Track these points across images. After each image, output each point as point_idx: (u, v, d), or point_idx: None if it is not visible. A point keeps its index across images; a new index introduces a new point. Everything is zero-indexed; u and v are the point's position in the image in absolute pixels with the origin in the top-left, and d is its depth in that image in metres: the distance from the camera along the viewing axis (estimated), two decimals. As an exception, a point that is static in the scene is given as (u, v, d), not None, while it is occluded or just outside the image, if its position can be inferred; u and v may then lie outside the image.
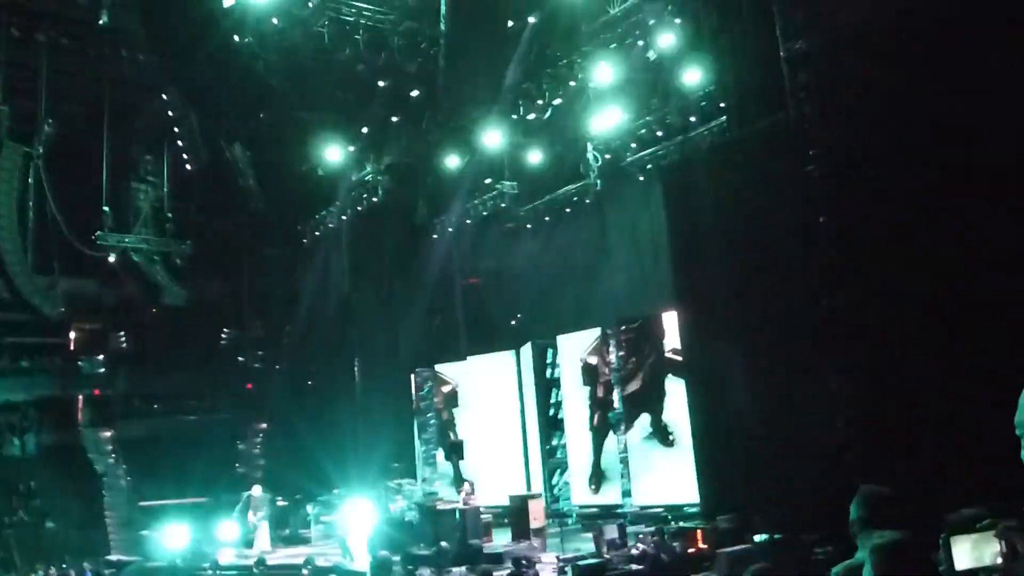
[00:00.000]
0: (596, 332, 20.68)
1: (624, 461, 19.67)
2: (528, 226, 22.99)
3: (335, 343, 25.72)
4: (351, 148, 22.85)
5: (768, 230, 14.53)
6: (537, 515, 17.35)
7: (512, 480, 21.26)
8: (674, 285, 17.77)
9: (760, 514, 12.93)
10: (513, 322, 23.71)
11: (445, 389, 24.39)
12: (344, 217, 25.20)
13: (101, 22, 18.55)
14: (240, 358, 28.84)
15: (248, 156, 23.98)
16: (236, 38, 17.13)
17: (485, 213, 23.35)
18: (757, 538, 12.46)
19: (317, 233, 26.45)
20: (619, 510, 19.29)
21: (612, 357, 20.23)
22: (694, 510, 17.05)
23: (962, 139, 10.91)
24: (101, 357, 26.33)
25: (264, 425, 27.95)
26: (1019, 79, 10.29)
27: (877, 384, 12.14)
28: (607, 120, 19.30)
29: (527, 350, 22.35)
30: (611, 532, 15.18)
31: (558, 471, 21.66)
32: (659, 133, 18.70)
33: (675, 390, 18.34)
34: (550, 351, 22.01)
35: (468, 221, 23.76)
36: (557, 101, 19.62)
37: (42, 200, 21.37)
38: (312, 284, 26.20)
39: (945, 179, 11.05)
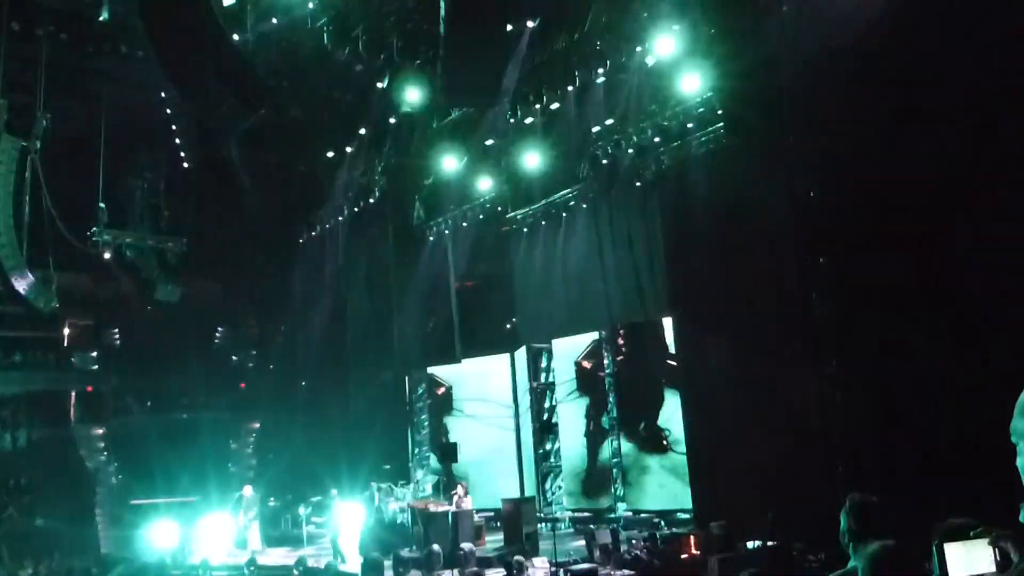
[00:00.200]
0: (591, 336, 20.68)
1: (618, 466, 19.66)
2: (524, 229, 22.99)
3: (329, 344, 25.69)
4: (348, 148, 22.83)
5: (763, 238, 14.58)
6: (529, 519, 17.33)
7: (505, 484, 21.25)
8: (669, 291, 17.80)
9: (752, 521, 12.94)
10: (508, 325, 23.70)
11: (439, 391, 24.37)
12: (340, 217, 25.19)
13: (101, 18, 18.49)
14: (233, 357, 28.81)
15: (245, 155, 23.93)
16: (235, 36, 17.11)
17: (481, 216, 23.33)
18: (749, 544, 12.49)
19: (313, 233, 26.43)
20: (612, 515, 19.28)
21: (607, 362, 20.23)
22: (687, 516, 17.09)
23: (953, 150, 10.97)
24: (94, 353, 26.29)
25: (257, 425, 27.91)
26: (1006, 90, 10.34)
27: (869, 393, 12.18)
28: (604, 125, 19.31)
29: (521, 353, 22.34)
30: (603, 537, 15.18)
31: (551, 475, 21.64)
32: (656, 139, 18.71)
33: (670, 396, 18.35)
34: (545, 355, 22.02)
35: (464, 223, 23.75)
36: (555, 105, 19.63)
37: (37, 195, 21.28)
38: (307, 284, 26.17)
39: (936, 189, 11.10)
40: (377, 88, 19.04)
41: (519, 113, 19.67)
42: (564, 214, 21.79)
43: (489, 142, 20.93)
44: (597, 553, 14.58)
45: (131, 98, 22.50)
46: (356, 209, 24.50)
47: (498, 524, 18.22)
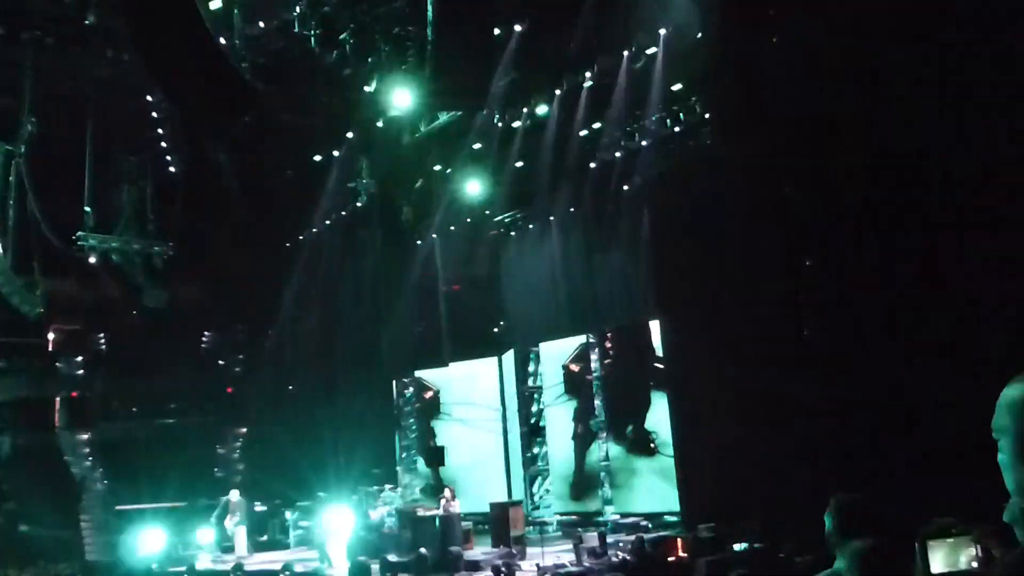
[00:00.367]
0: (579, 339, 20.71)
1: (606, 469, 19.69)
2: (512, 233, 23.02)
3: (317, 348, 25.63)
4: (336, 153, 22.81)
5: (749, 243, 14.65)
6: (517, 522, 17.33)
7: (493, 487, 21.25)
8: (656, 295, 17.85)
9: (739, 523, 12.98)
10: (496, 329, 23.72)
11: (427, 395, 24.34)
12: (328, 221, 25.15)
13: (87, 22, 18.44)
14: (221, 362, 28.67)
15: (232, 159, 23.88)
16: (222, 40, 17.09)
17: (469, 219, 23.33)
18: (736, 547, 12.52)
19: (301, 237, 26.37)
20: (600, 518, 19.30)
21: (595, 365, 20.26)
22: (674, 519, 17.12)
23: (942, 158, 11.07)
24: (79, 359, 26.12)
25: (244, 430, 27.79)
26: (1000, 105, 10.44)
27: (853, 395, 12.24)
28: (591, 128, 19.36)
29: (509, 357, 22.35)
30: (591, 540, 15.21)
31: (539, 478, 21.65)
32: (643, 143, 18.77)
33: (657, 399, 18.39)
34: (532, 358, 22.03)
35: (452, 227, 23.75)
36: (542, 109, 19.67)
37: (23, 199, 21.16)
38: (295, 288, 26.10)
39: (923, 191, 11.19)
40: (365, 92, 19.05)
41: (507, 117, 19.71)
42: (552, 218, 21.82)
43: (477, 146, 20.95)
44: (585, 556, 14.59)
45: (118, 102, 22.44)
46: (344, 213, 24.47)
47: (486, 527, 18.21)
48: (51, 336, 25.67)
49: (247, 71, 18.05)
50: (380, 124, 21.26)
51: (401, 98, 18.21)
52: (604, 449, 19.75)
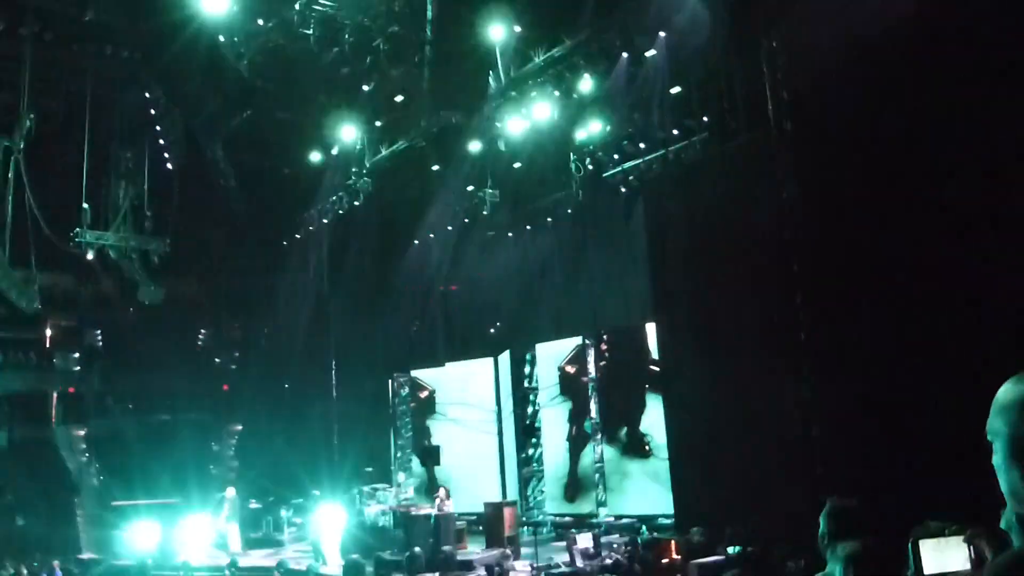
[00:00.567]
0: (575, 341, 20.74)
1: (600, 471, 19.72)
2: (509, 234, 23.03)
3: (312, 346, 25.62)
4: (333, 151, 22.80)
5: (745, 245, 14.69)
6: (511, 523, 17.36)
7: (487, 487, 21.27)
8: (652, 297, 17.88)
9: (732, 526, 13.02)
10: (492, 329, 23.74)
11: (422, 395, 24.36)
12: (325, 220, 25.13)
13: (86, 17, 18.45)
14: (216, 359, 28.68)
15: (229, 156, 23.88)
16: (221, 37, 17.09)
17: (466, 220, 23.34)
18: (730, 550, 12.54)
19: (297, 235, 26.36)
20: (593, 520, 19.33)
21: (591, 366, 20.29)
22: (668, 521, 17.15)
23: (936, 161, 11.11)
24: (76, 354, 26.12)
25: (239, 427, 27.80)
26: (991, 98, 10.49)
27: (849, 398, 12.27)
28: (589, 131, 19.38)
29: (505, 357, 22.37)
30: (585, 541, 15.22)
31: (533, 479, 21.68)
32: (641, 145, 18.79)
33: (652, 402, 18.42)
34: (528, 359, 22.05)
35: (449, 227, 23.76)
36: (540, 111, 19.67)
37: (20, 194, 21.14)
38: (291, 286, 26.10)
39: (919, 199, 11.24)
40: (363, 91, 19.06)
41: (504, 118, 19.72)
42: (549, 219, 21.85)
43: (475, 146, 20.94)
44: (578, 557, 14.62)
45: (115, 98, 22.44)
46: (341, 212, 24.46)
47: (480, 528, 18.24)
48: (48, 331, 25.68)
49: (245, 69, 18.07)
50: (378, 123, 21.25)
51: (398, 98, 18.24)
52: (598, 451, 19.79)
